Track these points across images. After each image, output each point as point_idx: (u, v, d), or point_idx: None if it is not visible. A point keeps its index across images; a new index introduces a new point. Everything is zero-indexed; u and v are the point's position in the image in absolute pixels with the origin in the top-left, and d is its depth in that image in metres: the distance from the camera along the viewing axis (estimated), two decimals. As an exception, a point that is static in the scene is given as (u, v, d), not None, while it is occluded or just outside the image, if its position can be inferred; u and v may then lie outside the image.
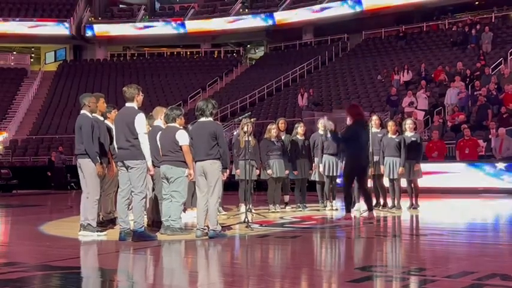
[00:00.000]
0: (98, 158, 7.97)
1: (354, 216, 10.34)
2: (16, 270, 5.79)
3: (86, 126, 7.98)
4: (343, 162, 10.87)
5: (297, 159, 11.71)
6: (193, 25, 38.68)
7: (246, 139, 10.24)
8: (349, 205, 9.82)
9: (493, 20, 29.96)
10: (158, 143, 8.29)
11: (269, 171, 11.37)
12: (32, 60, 41.96)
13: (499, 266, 5.78)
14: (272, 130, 11.52)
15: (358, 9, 33.75)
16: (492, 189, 15.76)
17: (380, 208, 11.43)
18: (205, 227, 7.77)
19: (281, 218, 10.46)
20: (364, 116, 10.18)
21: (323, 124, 11.67)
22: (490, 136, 17.21)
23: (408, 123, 11.48)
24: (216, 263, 6.59)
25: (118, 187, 7.97)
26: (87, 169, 7.99)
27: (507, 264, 5.91)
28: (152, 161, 7.78)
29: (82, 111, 8.19)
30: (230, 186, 12.73)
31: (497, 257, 6.43)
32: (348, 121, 10.01)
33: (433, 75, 24.32)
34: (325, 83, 29.63)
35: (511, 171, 15.77)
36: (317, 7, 35.18)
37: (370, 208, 9.87)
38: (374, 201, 11.54)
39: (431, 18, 33.62)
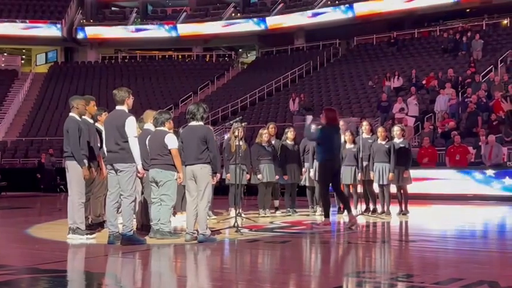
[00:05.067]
0: (84, 161, 7.95)
1: (344, 222, 10.36)
2: (4, 273, 5.74)
3: (72, 129, 7.96)
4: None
5: (287, 164, 11.72)
6: (185, 29, 38.66)
7: (237, 143, 10.25)
8: (327, 210, 9.71)
9: (483, 28, 30.14)
10: (147, 146, 8.28)
11: (259, 176, 11.37)
12: (22, 61, 41.79)
13: (487, 273, 5.80)
14: (263, 135, 11.53)
15: (350, 15, 33.86)
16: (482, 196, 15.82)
17: (370, 214, 11.45)
18: (195, 231, 7.76)
19: (271, 222, 10.46)
20: (338, 122, 10.08)
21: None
22: (479, 143, 17.29)
23: (396, 130, 11.53)
24: (205, 268, 6.58)
25: (107, 190, 7.94)
26: (74, 171, 7.97)
27: (495, 272, 5.94)
28: (142, 165, 7.76)
29: (70, 114, 8.17)
30: (220, 190, 12.72)
31: (486, 264, 6.46)
32: (321, 122, 9.91)
33: (424, 82, 24.41)
34: (316, 88, 29.68)
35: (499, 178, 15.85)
36: (309, 12, 35.28)
37: (349, 210, 9.82)
38: (364, 207, 11.59)
39: (422, 25, 33.78)
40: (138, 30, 39.34)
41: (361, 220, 10.64)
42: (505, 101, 19.34)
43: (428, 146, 17.31)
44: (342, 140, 11.47)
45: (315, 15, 35.06)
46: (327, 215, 9.63)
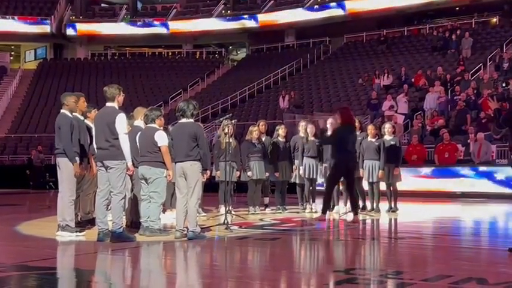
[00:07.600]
0: (76, 158, 7.93)
1: (333, 219, 10.39)
2: (-8, 270, 5.73)
3: (64, 126, 7.94)
4: (327, 164, 10.79)
5: (278, 161, 11.73)
6: (175, 25, 38.58)
7: (227, 140, 10.24)
8: (326, 207, 9.77)
9: (473, 26, 30.26)
10: (137, 143, 8.26)
11: (249, 173, 11.36)
12: (11, 58, 41.54)
13: (476, 270, 5.84)
14: (253, 132, 11.52)
15: (340, 12, 33.92)
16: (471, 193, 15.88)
17: (359, 211, 11.46)
18: (185, 228, 7.75)
19: (261, 220, 10.46)
20: (353, 120, 10.27)
21: (304, 127, 11.74)
22: (468, 141, 17.36)
23: (387, 127, 11.56)
24: (195, 265, 6.58)
25: (97, 187, 7.92)
26: (65, 169, 7.94)
27: (483, 268, 5.98)
28: (132, 162, 7.74)
29: (62, 111, 8.15)
30: (210, 187, 12.71)
31: (474, 261, 6.50)
32: (335, 122, 10.01)
33: (412, 80, 24.50)
34: (306, 85, 29.71)
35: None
36: (299, 10, 35.31)
37: (355, 212, 9.87)
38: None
39: (412, 23, 33.88)
40: (127, 27, 39.19)
41: (350, 217, 10.67)
42: (491, 100, 19.39)
43: (416, 144, 17.35)
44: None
45: (306, 12, 35.10)
46: (324, 211, 9.71)
